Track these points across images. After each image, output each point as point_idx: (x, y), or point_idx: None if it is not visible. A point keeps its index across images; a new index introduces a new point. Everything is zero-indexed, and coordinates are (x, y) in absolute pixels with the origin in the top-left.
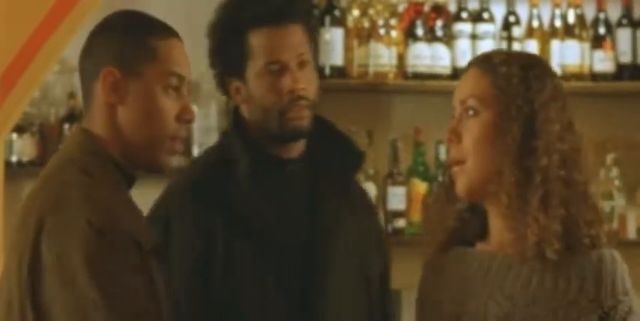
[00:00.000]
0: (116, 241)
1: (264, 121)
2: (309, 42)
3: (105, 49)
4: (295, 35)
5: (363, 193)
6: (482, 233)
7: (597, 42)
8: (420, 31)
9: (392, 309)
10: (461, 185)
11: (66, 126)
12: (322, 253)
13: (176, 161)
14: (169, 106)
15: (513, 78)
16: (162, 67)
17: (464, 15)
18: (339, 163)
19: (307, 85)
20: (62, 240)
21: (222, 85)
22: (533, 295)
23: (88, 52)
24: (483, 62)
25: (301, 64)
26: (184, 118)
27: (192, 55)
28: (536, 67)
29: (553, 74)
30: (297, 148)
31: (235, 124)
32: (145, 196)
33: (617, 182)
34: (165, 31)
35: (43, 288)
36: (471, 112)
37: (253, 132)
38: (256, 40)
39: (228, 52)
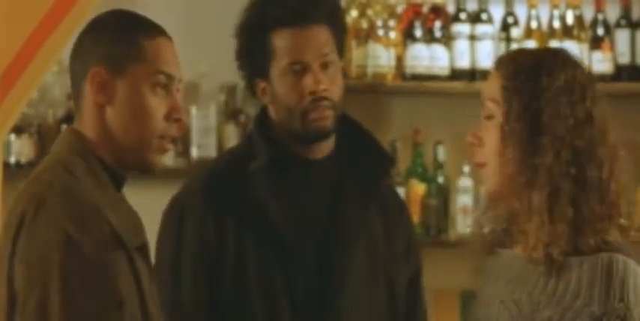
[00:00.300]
0: (85, 249)
1: (288, 121)
2: (335, 42)
3: (92, 49)
4: (319, 36)
5: (395, 197)
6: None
7: (596, 43)
8: (418, 32)
9: (419, 314)
10: (484, 188)
11: (64, 127)
12: (340, 256)
13: (174, 162)
14: (157, 104)
15: (521, 76)
16: (150, 66)
17: (462, 16)
18: (367, 166)
19: (330, 85)
20: (34, 244)
21: (251, 86)
22: (538, 300)
23: (76, 53)
24: (498, 63)
25: (324, 65)
26: (173, 116)
27: (191, 56)
28: (549, 60)
29: (571, 66)
30: (323, 150)
31: (260, 124)
32: (138, 197)
33: None
34: (152, 29)
35: (17, 278)
36: (488, 116)
37: (279, 132)
38: (279, 41)
39: (253, 53)
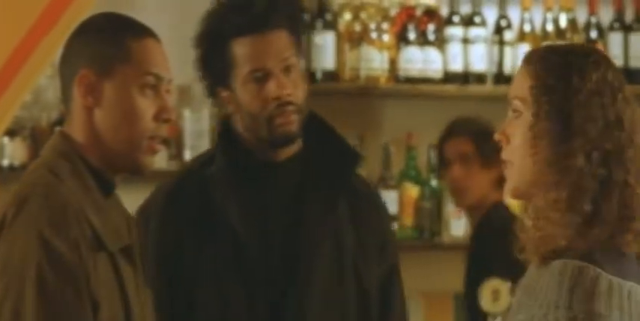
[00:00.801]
0: (62, 251)
1: (253, 128)
2: (296, 45)
3: (80, 52)
4: (279, 41)
5: (368, 193)
6: None
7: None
8: (411, 35)
9: (394, 314)
10: (507, 186)
11: (57, 129)
12: (304, 257)
13: (167, 165)
14: (146, 105)
15: (551, 76)
16: (138, 67)
17: (456, 19)
18: (334, 163)
19: (293, 89)
20: (12, 246)
21: (213, 95)
22: (520, 301)
23: (65, 56)
24: (527, 60)
25: (286, 69)
26: (162, 117)
27: (184, 59)
28: (580, 59)
29: (603, 66)
30: (289, 151)
31: (224, 133)
32: (131, 199)
33: None
34: (140, 31)
35: None
36: (515, 114)
37: (245, 139)
38: (240, 49)
39: (213, 63)
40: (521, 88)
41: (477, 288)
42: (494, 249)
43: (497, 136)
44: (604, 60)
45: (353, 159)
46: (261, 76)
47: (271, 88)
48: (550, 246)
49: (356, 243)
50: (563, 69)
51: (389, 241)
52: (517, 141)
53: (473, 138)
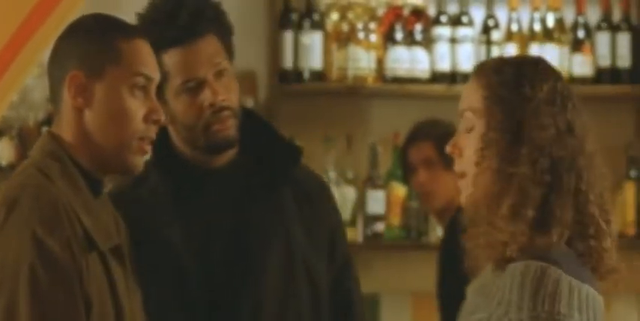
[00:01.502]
0: (55, 251)
1: (189, 139)
2: (226, 48)
3: (70, 53)
4: (207, 48)
5: (315, 188)
6: None
7: (576, 46)
8: (399, 35)
9: (355, 305)
10: (462, 198)
11: (45, 130)
12: (251, 261)
13: None
14: (136, 106)
15: (504, 87)
16: (128, 68)
17: (443, 19)
18: (275, 160)
19: (227, 94)
20: (4, 247)
21: None
22: (477, 302)
23: (54, 57)
24: (479, 72)
25: (218, 74)
26: (152, 118)
27: None
28: (531, 71)
29: (553, 77)
30: (228, 155)
31: (159, 145)
32: None
33: None
34: (130, 31)
35: None
36: (468, 126)
37: (181, 150)
38: (170, 62)
39: None
40: (473, 99)
41: (449, 289)
42: (464, 251)
43: (448, 149)
44: (553, 70)
45: (292, 154)
46: (193, 86)
47: (205, 96)
48: (502, 252)
49: (305, 241)
50: (516, 79)
51: (338, 236)
52: (469, 152)
53: (434, 142)
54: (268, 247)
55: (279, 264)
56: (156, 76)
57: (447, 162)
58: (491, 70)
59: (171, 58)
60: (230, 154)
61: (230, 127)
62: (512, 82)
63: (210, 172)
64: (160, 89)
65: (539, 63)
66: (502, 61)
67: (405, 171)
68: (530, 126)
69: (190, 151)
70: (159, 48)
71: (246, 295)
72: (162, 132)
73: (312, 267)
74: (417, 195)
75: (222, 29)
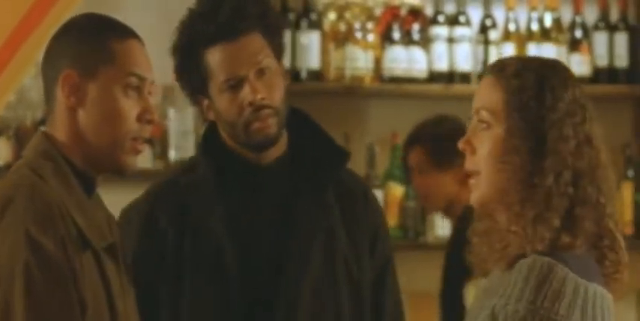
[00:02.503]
0: (49, 251)
1: (233, 135)
2: (271, 45)
3: (64, 52)
4: (250, 45)
5: (358, 189)
6: None
7: (574, 45)
8: (396, 35)
9: (387, 308)
10: (473, 197)
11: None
12: (295, 258)
13: (152, 164)
14: (129, 106)
15: (526, 93)
16: (121, 68)
17: (440, 18)
18: (322, 161)
19: (268, 92)
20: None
21: (195, 103)
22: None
23: (48, 56)
24: (498, 72)
25: (260, 72)
26: (145, 118)
27: (169, 59)
28: (553, 78)
29: (573, 84)
30: (275, 153)
31: (208, 137)
32: (115, 199)
33: None
34: (123, 31)
35: None
36: (483, 125)
37: (229, 144)
38: (212, 59)
39: (190, 74)
40: (491, 100)
41: (455, 288)
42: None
43: (461, 146)
44: (572, 77)
45: (340, 156)
46: (235, 84)
47: (245, 94)
48: (517, 256)
49: (347, 240)
50: (538, 87)
51: (380, 236)
52: (484, 152)
53: (422, 146)
54: (311, 245)
55: (320, 262)
56: (149, 76)
57: (437, 164)
58: (512, 73)
59: (213, 55)
60: (278, 151)
61: (270, 126)
62: (534, 89)
63: (257, 168)
64: (205, 86)
65: (560, 68)
66: (521, 64)
67: (406, 172)
68: (552, 137)
69: (236, 147)
70: (201, 45)
71: (284, 292)
72: (213, 126)
73: (353, 266)
74: (418, 197)
75: (269, 26)
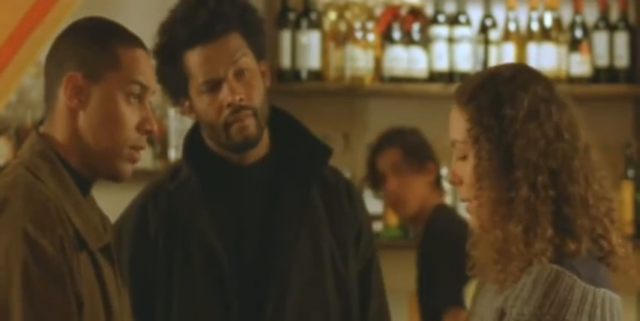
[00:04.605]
0: (47, 251)
1: (213, 136)
2: (250, 44)
3: (69, 53)
4: (228, 46)
5: (343, 186)
6: None
7: (574, 45)
8: (396, 35)
9: (371, 305)
10: (472, 223)
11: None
12: (280, 257)
13: (152, 164)
14: (130, 114)
15: (483, 114)
16: (125, 75)
17: (440, 18)
18: (305, 159)
19: (247, 93)
20: None
21: (176, 105)
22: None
23: (53, 56)
24: (458, 99)
25: (239, 73)
26: (145, 128)
27: None
28: (508, 86)
29: (531, 84)
30: (258, 153)
31: (190, 139)
32: (114, 199)
33: None
34: (131, 40)
35: None
36: (460, 155)
37: (211, 146)
38: (191, 61)
39: (170, 76)
40: (459, 130)
41: (428, 290)
42: (441, 252)
43: (449, 179)
44: (530, 76)
45: (323, 153)
46: (213, 85)
47: (223, 95)
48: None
49: (333, 238)
50: (494, 103)
51: (364, 233)
52: (467, 180)
53: (401, 148)
54: (297, 244)
55: (307, 260)
56: (152, 86)
57: (415, 167)
58: (468, 98)
59: (192, 57)
60: (260, 151)
61: (249, 126)
62: (492, 107)
63: (240, 168)
64: (185, 88)
65: (516, 76)
66: (478, 85)
67: (374, 182)
68: (519, 147)
69: (218, 148)
70: (180, 47)
71: (273, 291)
72: (195, 128)
73: (340, 263)
74: (389, 203)
75: (248, 25)
